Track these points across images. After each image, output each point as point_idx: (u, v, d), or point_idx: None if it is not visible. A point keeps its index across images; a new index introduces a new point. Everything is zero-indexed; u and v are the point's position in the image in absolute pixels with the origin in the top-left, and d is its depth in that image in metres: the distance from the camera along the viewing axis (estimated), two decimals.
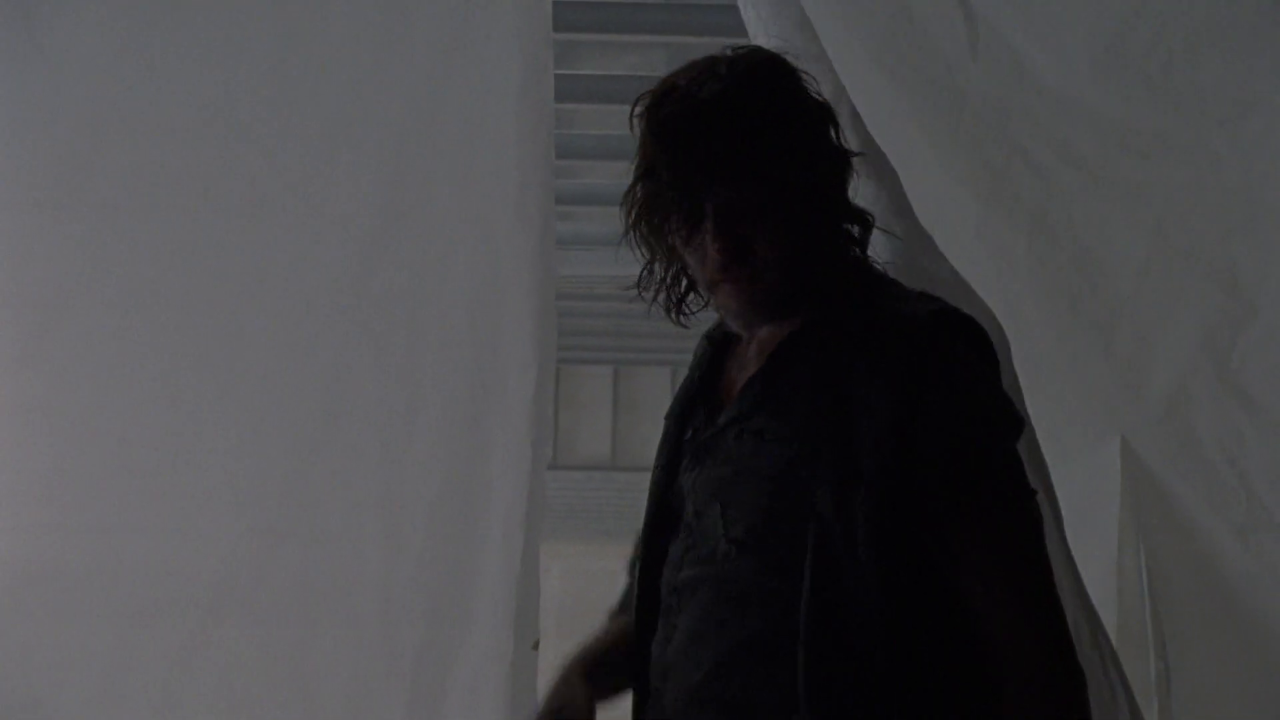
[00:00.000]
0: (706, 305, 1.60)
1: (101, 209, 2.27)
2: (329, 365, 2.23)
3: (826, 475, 1.40)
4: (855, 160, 1.55)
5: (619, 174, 5.56)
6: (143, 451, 2.24)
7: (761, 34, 1.95)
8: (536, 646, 2.16)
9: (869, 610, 1.37)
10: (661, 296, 1.62)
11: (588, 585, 11.42)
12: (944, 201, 2.11)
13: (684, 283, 1.60)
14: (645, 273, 1.62)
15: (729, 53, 1.51)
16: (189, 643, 2.21)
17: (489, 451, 2.18)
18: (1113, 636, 1.90)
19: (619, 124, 4.98)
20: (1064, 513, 1.81)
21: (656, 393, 9.00)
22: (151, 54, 2.29)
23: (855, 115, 1.81)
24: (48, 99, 2.29)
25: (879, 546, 1.37)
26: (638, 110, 1.50)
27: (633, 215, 1.54)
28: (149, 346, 2.25)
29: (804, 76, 1.50)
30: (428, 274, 2.23)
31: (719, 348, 1.65)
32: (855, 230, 1.53)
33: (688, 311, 1.63)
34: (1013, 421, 1.47)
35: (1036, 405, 2.01)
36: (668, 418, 1.67)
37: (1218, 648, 2.20)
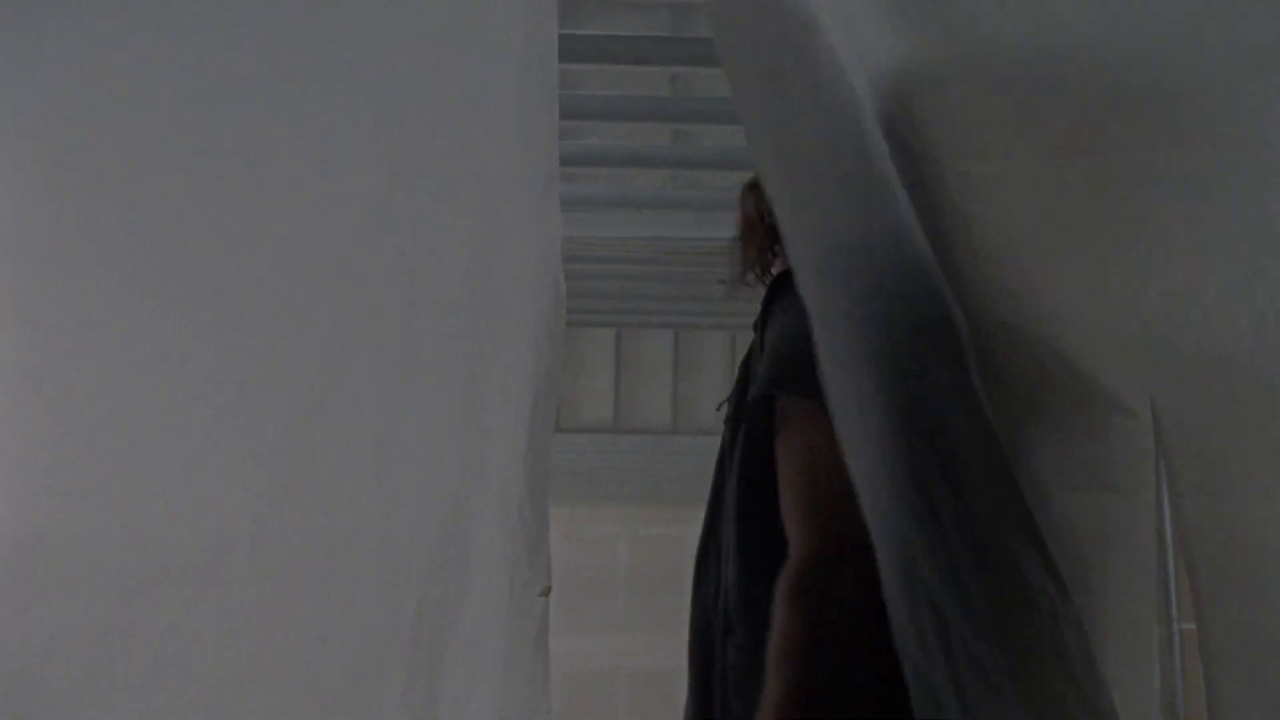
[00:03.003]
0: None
1: (96, 170, 2.24)
2: (326, 328, 2.22)
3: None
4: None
5: (622, 135, 5.55)
6: (137, 416, 2.22)
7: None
8: (547, 593, 2.15)
9: (735, 507, 2.19)
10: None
11: (590, 549, 11.49)
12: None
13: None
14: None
15: None
16: (186, 609, 2.20)
17: (487, 409, 2.18)
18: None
19: (624, 85, 4.97)
20: (1099, 477, 2.03)
21: (659, 356, 8.97)
22: (150, 9, 2.26)
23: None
24: (42, 56, 2.25)
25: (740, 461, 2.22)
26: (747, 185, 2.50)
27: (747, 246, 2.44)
28: (142, 310, 2.23)
29: None
30: (427, 237, 2.21)
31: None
32: None
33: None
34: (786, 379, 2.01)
35: (1067, 363, 2.09)
36: None
37: (1248, 609, 2.15)
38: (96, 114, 2.26)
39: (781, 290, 2.12)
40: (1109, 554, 2.20)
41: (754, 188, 2.44)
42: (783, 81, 2.04)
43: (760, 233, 2.42)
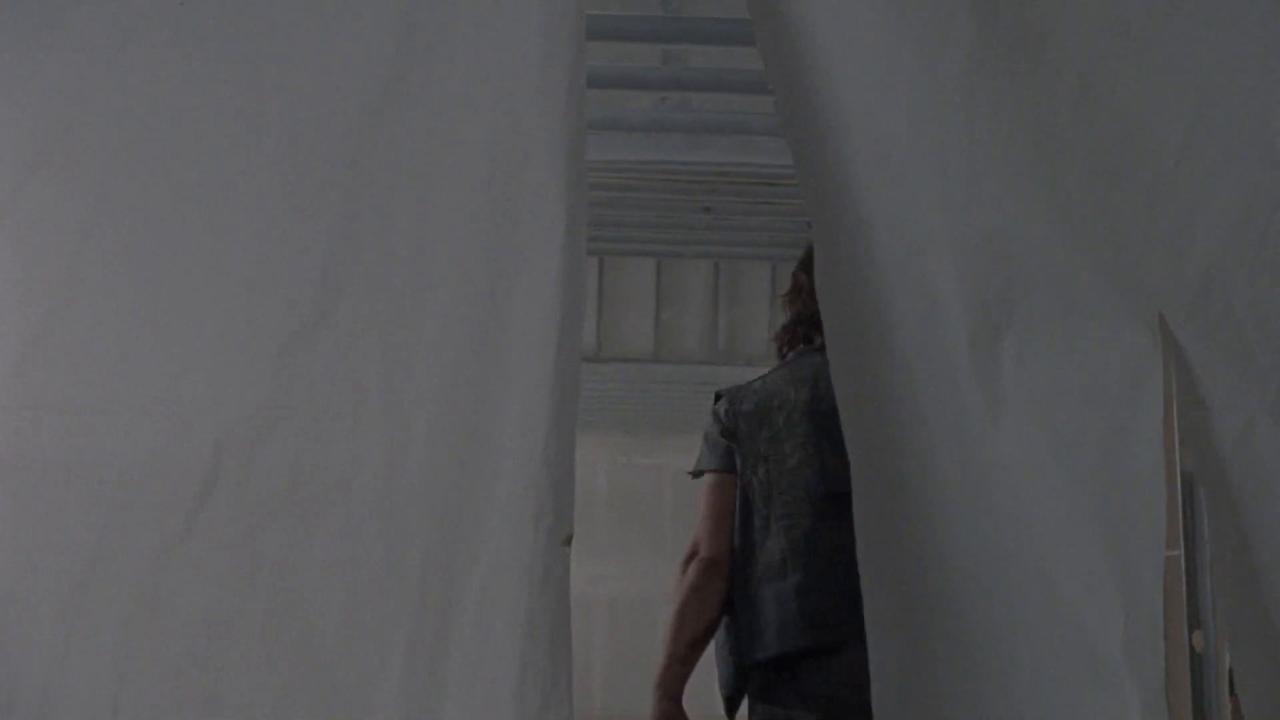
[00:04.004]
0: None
1: (91, 48, 2.09)
2: (330, 232, 2.06)
3: None
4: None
5: (612, 56, 5.42)
6: (124, 326, 2.09)
7: None
8: (569, 542, 1.98)
9: None
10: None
11: (634, 479, 11.48)
12: (982, 66, 2.13)
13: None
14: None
15: None
16: (172, 538, 2.07)
17: (507, 332, 2.01)
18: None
19: (614, 4, 4.83)
20: (1114, 394, 2.08)
21: (642, 284, 8.88)
22: None
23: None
24: None
25: None
26: (806, 258, 2.79)
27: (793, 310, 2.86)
28: (131, 207, 2.09)
29: None
30: (442, 132, 2.04)
31: None
32: None
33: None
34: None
35: (1076, 278, 2.12)
36: None
37: (1252, 530, 2.17)
38: None
39: None
40: (1111, 467, 2.17)
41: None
42: None
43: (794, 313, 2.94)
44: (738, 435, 2.68)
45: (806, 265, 2.87)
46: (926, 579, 2.23)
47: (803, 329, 2.90)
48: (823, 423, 2.57)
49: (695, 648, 2.74)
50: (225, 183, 2.10)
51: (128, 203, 2.11)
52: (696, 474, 2.77)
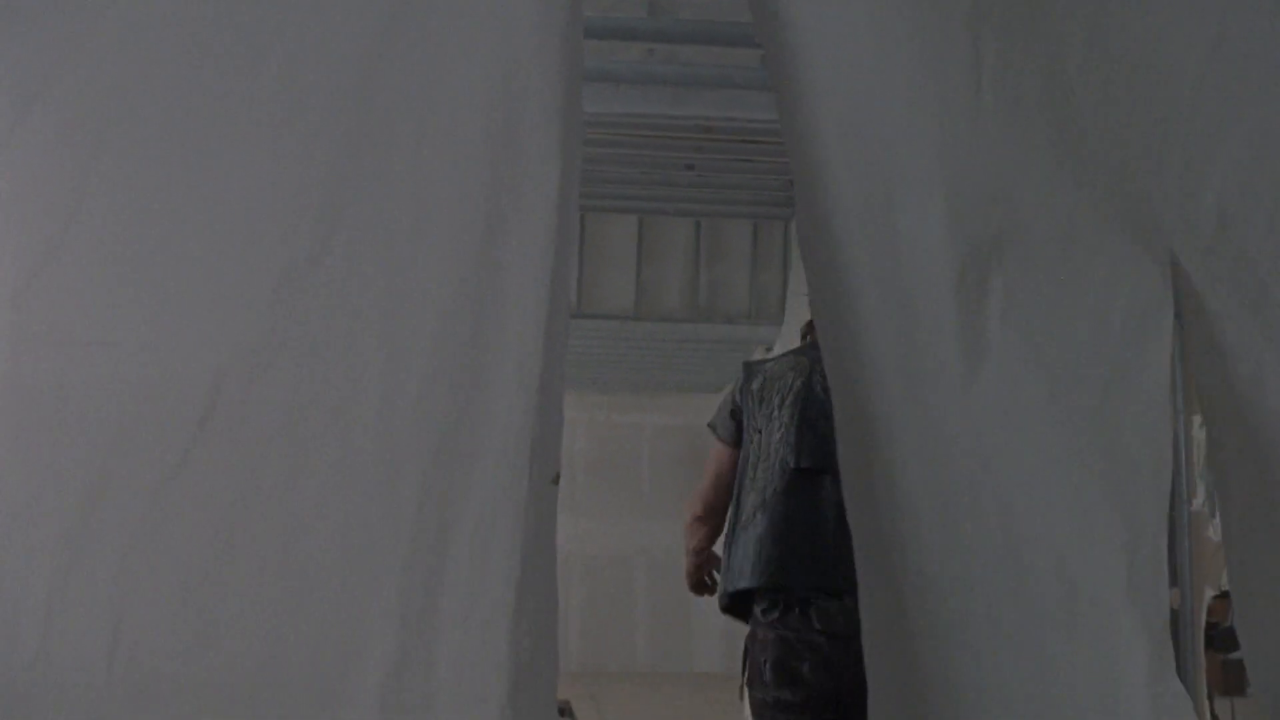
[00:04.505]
0: None
1: None
2: (328, 167, 2.06)
3: None
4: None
5: (600, 8, 5.40)
6: (122, 259, 2.08)
7: None
8: (557, 480, 2.03)
9: None
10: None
11: (613, 437, 11.51)
12: (991, 4, 2.11)
13: None
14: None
15: None
16: (170, 470, 2.07)
17: (503, 266, 2.03)
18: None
19: None
20: (1117, 333, 2.08)
21: (623, 241, 8.88)
22: None
23: None
24: None
25: None
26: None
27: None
28: (128, 141, 2.08)
29: None
30: (441, 69, 2.05)
31: None
32: None
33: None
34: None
35: (1080, 216, 2.11)
36: None
37: (1261, 476, 2.17)
38: None
39: None
40: (1112, 410, 2.17)
41: None
42: None
43: None
44: (746, 407, 3.22)
45: None
46: (920, 534, 2.21)
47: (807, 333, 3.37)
48: (806, 408, 3.08)
49: (699, 550, 3.53)
50: (223, 118, 2.09)
51: (125, 137, 2.11)
52: (710, 427, 3.37)
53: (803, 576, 2.97)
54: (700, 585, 3.53)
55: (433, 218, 2.07)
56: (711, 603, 3.45)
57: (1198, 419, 4.45)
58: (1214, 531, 5.68)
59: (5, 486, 2.10)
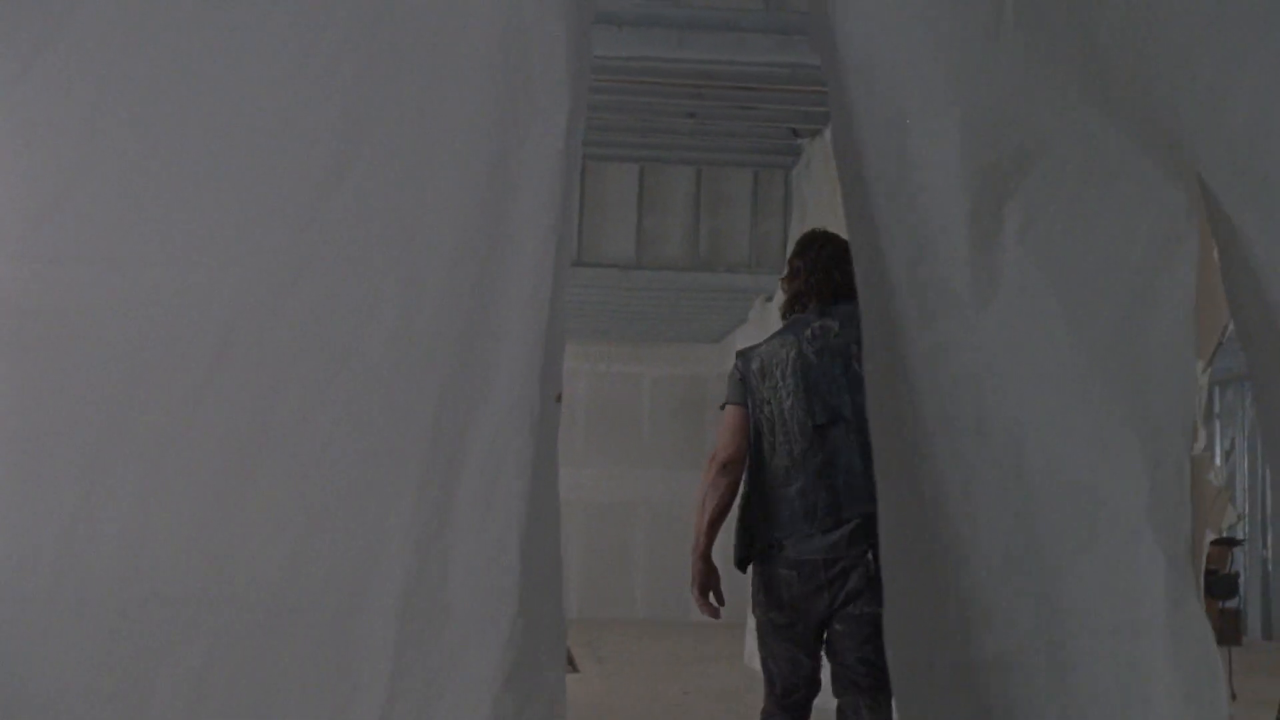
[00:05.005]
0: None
1: None
2: (345, 94, 2.10)
3: None
4: None
5: None
6: (145, 182, 2.11)
7: None
8: (559, 399, 2.09)
9: None
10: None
11: (613, 386, 11.53)
12: None
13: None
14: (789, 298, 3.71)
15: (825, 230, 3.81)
16: (193, 390, 2.11)
17: (515, 191, 2.08)
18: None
19: None
20: (1141, 254, 2.07)
21: (624, 190, 8.87)
22: None
23: None
24: None
25: None
26: (799, 249, 3.69)
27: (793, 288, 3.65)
28: (151, 67, 2.11)
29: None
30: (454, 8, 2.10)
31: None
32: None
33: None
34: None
35: (1104, 138, 2.08)
36: None
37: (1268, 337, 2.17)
38: None
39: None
40: (1134, 332, 2.17)
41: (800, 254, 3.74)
42: None
43: (800, 280, 3.67)
44: (749, 385, 3.59)
45: (800, 252, 3.73)
46: (931, 461, 2.23)
47: (798, 301, 3.66)
48: (806, 372, 3.51)
49: (714, 525, 3.59)
50: (242, 47, 2.12)
51: (144, 66, 2.13)
52: (723, 406, 3.68)
53: (831, 517, 3.41)
54: (706, 596, 3.65)
55: (446, 144, 2.11)
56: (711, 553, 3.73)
57: (1200, 364, 4.44)
58: (1214, 476, 5.69)
59: (29, 407, 2.13)
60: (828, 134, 7.52)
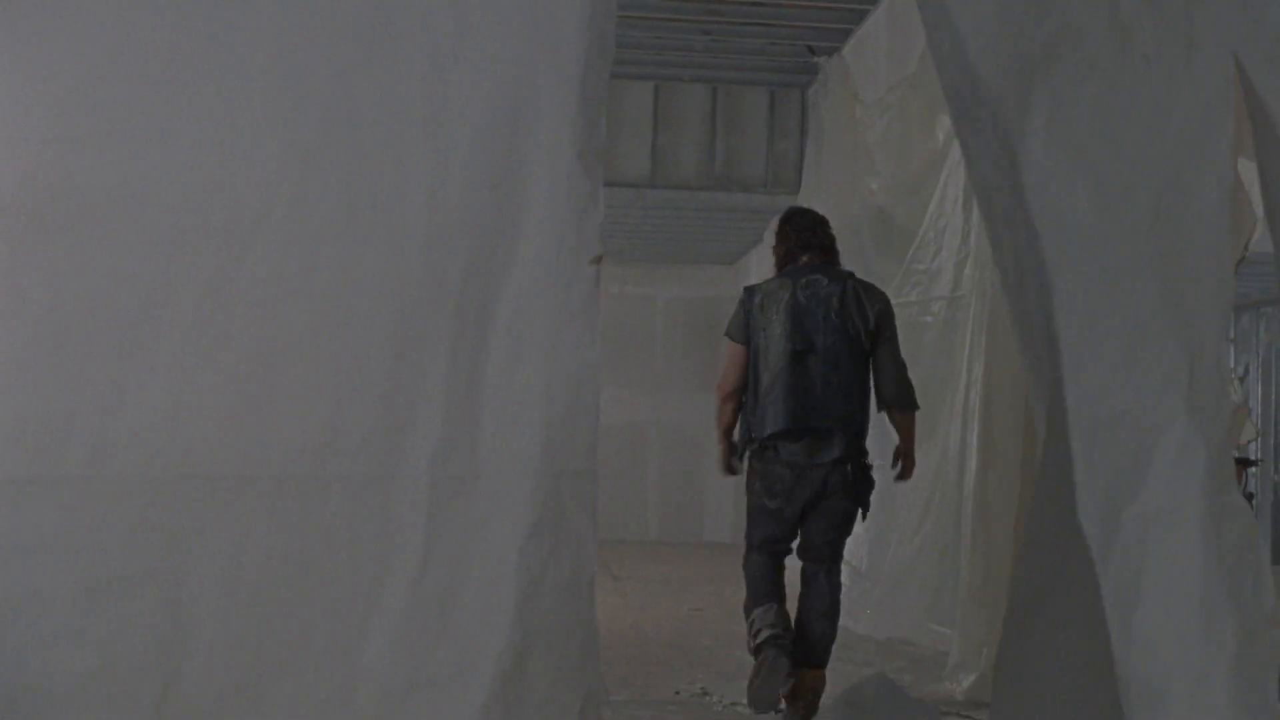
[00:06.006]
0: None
1: None
2: None
3: None
4: None
5: None
6: (176, 60, 2.14)
7: None
8: (597, 261, 2.13)
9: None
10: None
11: (625, 308, 11.50)
12: None
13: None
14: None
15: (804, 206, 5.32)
16: (225, 269, 2.16)
17: (539, 65, 2.13)
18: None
19: None
20: (1174, 137, 2.08)
21: (639, 108, 8.83)
22: None
23: None
24: None
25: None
26: (785, 219, 4.68)
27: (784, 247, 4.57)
28: None
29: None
30: None
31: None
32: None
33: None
34: None
35: (1139, 24, 2.09)
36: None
37: None
38: None
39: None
40: (1171, 215, 2.18)
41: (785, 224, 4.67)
42: None
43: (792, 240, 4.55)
44: (751, 316, 4.46)
45: (787, 220, 4.66)
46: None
47: (790, 257, 4.53)
48: (794, 311, 4.40)
49: (727, 432, 4.58)
50: None
51: None
52: (727, 334, 4.54)
53: (805, 424, 4.33)
54: (730, 468, 4.64)
55: (473, 24, 2.15)
56: (721, 476, 4.71)
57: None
58: (1234, 393, 5.66)
59: (64, 287, 2.16)
60: (845, 52, 7.46)
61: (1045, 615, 2.27)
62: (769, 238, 9.49)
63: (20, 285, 2.14)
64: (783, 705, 4.20)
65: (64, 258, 2.14)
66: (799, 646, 4.21)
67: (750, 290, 4.52)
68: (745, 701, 4.20)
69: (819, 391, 4.30)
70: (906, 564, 5.58)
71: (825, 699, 4.19)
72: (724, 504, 11.67)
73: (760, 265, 9.82)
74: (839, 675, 4.37)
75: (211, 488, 2.17)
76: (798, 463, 4.27)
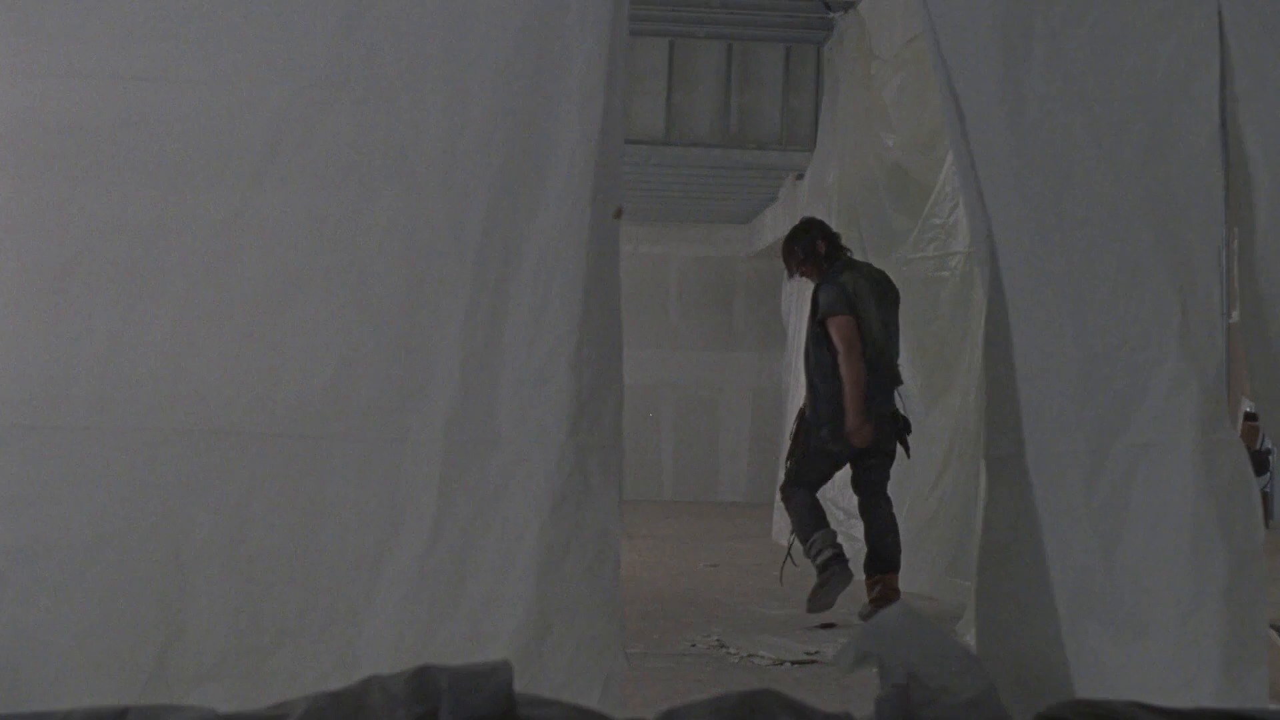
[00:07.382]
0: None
1: None
2: None
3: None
4: None
5: None
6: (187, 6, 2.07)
7: None
8: (619, 215, 2.05)
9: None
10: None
11: (641, 267, 11.45)
12: None
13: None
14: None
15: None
16: (237, 206, 2.07)
17: (568, 14, 2.03)
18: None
19: None
20: (1164, 71, 2.13)
21: (654, 65, 8.75)
22: None
23: None
24: None
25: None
26: (801, 228, 5.39)
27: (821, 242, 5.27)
28: None
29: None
30: None
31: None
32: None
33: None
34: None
35: None
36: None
37: None
38: None
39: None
40: (1160, 155, 2.20)
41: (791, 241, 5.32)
42: None
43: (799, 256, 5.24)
44: (850, 300, 4.99)
45: (804, 229, 5.30)
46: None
47: (832, 252, 5.18)
48: (876, 299, 5.07)
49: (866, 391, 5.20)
50: None
51: None
52: (834, 315, 5.01)
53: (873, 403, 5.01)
54: (865, 436, 5.07)
55: None
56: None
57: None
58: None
59: (67, 225, 2.09)
60: (861, 8, 7.38)
61: (1018, 548, 2.30)
62: (784, 195, 9.46)
63: (21, 225, 2.07)
64: (869, 609, 4.94)
65: (66, 197, 2.07)
66: (877, 561, 5.01)
67: (838, 280, 5.04)
68: (805, 608, 4.88)
69: (876, 382, 5.00)
70: (926, 519, 5.59)
71: (847, 630, 4.62)
72: (738, 463, 11.65)
73: (775, 223, 9.78)
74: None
75: (216, 441, 2.10)
76: (880, 412, 4.99)
